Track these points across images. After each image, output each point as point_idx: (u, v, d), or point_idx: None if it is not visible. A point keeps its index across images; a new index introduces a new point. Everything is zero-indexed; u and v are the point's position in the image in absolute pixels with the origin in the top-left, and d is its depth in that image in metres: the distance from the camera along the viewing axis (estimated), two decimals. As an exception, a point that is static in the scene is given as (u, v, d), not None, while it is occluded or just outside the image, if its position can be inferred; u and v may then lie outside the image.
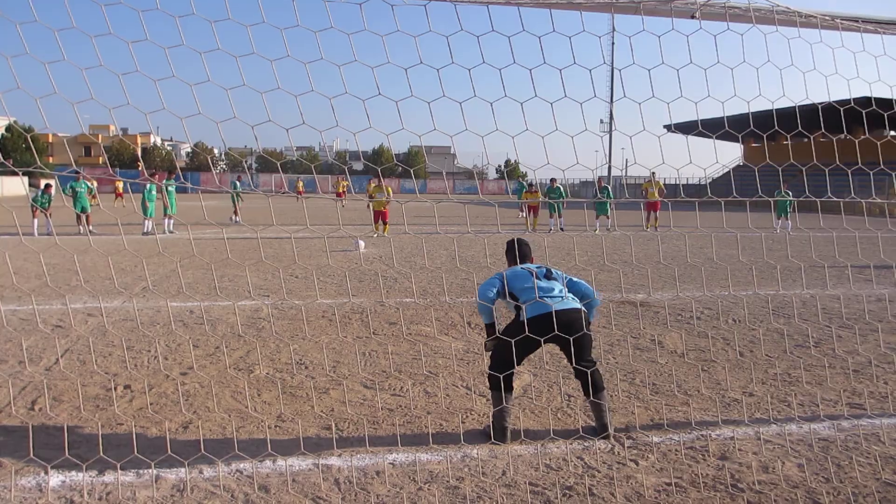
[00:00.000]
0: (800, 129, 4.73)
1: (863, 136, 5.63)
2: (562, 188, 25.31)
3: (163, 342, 7.33)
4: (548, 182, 28.62)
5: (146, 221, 20.40)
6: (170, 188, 21.40)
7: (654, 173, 24.53)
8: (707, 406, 5.75)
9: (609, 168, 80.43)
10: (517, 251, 5.52)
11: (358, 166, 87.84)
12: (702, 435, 5.09)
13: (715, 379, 6.48)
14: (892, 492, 4.27)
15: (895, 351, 7.59)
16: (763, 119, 5.88)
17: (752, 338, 8.09)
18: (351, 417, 5.31)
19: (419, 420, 5.29)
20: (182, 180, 27.04)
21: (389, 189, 24.06)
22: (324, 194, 51.43)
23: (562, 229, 24.57)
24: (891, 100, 4.71)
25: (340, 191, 51.04)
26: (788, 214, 25.27)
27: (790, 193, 25.02)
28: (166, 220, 20.99)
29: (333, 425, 5.14)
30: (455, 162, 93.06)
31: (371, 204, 23.24)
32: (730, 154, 77.21)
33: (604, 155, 77.15)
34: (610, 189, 27.23)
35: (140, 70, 3.58)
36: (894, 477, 4.44)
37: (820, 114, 4.75)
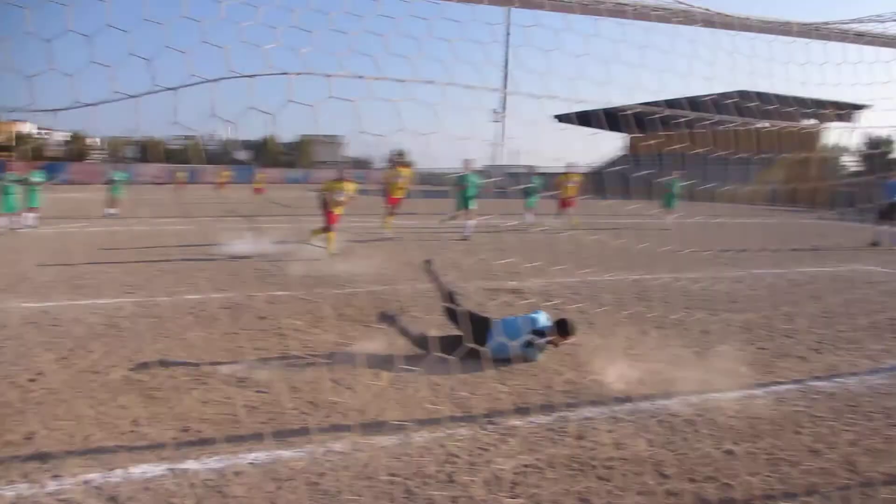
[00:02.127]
0: (680, 120, 4.94)
1: (741, 128, 5.95)
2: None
3: (11, 346, 6.92)
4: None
5: (2, 217, 19.12)
6: (34, 179, 20.15)
7: (567, 163, 22.78)
8: (569, 388, 5.97)
9: (499, 156, 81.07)
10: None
11: (242, 155, 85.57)
12: (561, 416, 5.29)
13: (577, 361, 6.73)
14: (732, 459, 4.58)
15: (744, 329, 8.12)
16: (642, 112, 6.16)
17: (616, 321, 8.44)
18: (211, 417, 5.19)
19: (282, 416, 5.24)
20: (49, 172, 25.11)
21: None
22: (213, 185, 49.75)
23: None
24: (762, 93, 5.01)
25: (222, 181, 49.50)
26: (675, 205, 24.37)
27: (679, 183, 24.45)
28: (26, 214, 19.73)
29: (192, 427, 5.01)
30: (344, 151, 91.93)
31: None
32: (615, 144, 79.94)
33: (496, 144, 77.58)
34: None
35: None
36: (734, 446, 4.76)
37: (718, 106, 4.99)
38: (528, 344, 6.69)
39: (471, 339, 6.42)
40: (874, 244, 18.58)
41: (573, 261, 12.88)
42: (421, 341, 6.81)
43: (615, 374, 6.34)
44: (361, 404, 5.55)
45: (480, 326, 6.99)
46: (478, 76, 4.47)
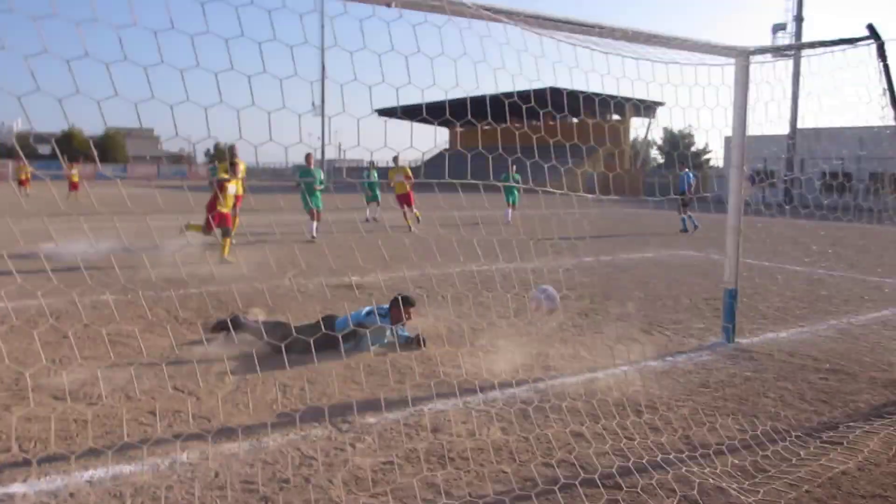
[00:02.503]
0: (491, 117, 5.09)
1: (551, 123, 6.22)
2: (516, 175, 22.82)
3: None
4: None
5: None
6: None
7: (396, 157, 21.88)
8: (421, 382, 6.02)
9: (322, 151, 79.41)
10: None
11: (45, 149, 79.16)
12: (416, 411, 5.33)
13: (427, 355, 6.81)
14: (580, 440, 4.81)
15: (582, 315, 8.56)
16: (462, 107, 6.30)
17: (460, 312, 8.62)
18: (38, 435, 4.77)
19: (120, 429, 4.91)
20: None
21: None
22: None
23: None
24: (572, 91, 5.28)
25: (24, 178, 45.50)
26: (517, 200, 24.23)
27: (519, 177, 23.50)
28: None
29: (16, 447, 4.58)
30: (159, 145, 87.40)
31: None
32: (440, 138, 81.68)
33: (318, 138, 76.32)
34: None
35: None
36: (580, 427, 5.01)
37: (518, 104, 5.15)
38: (375, 330, 6.81)
39: (319, 335, 6.33)
40: (683, 231, 20.45)
41: (415, 255, 13.02)
42: (270, 333, 6.66)
43: (465, 365, 6.48)
44: (207, 411, 5.31)
45: (328, 324, 6.94)
46: (294, 67, 4.40)
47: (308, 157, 17.34)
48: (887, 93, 6.19)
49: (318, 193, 16.79)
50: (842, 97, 7.27)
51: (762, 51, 7.12)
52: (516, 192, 23.95)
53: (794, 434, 4.96)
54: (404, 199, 20.71)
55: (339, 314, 7.48)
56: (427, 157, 74.85)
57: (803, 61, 6.95)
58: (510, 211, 23.57)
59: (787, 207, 21.63)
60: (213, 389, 5.77)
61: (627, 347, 7.15)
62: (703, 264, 13.36)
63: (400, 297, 7.02)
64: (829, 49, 6.50)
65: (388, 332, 6.98)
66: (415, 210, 21.05)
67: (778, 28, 45.38)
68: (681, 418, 5.22)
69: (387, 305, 7.14)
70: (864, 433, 4.99)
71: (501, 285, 10.38)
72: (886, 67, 6.20)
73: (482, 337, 7.51)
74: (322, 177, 17.37)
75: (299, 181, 17.13)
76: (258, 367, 5.80)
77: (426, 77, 4.84)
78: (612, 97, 5.92)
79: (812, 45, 6.68)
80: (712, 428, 5.03)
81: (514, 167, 23.80)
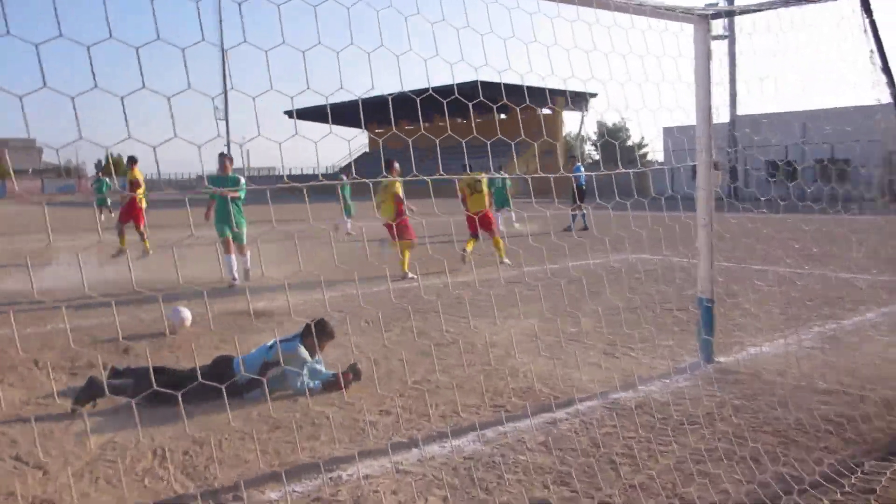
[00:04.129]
0: (419, 114, 4.37)
1: (478, 120, 5.49)
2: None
3: None
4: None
5: None
6: None
7: (391, 161, 16.02)
8: (340, 435, 5.12)
9: (243, 156, 76.73)
10: None
11: None
12: (333, 479, 4.42)
13: (346, 400, 5.91)
14: (545, 513, 3.99)
15: (529, 338, 7.78)
16: (381, 106, 5.56)
17: (390, 340, 7.75)
18: None
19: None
20: None
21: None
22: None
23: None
24: (498, 83, 4.56)
25: None
26: (511, 202, 22.22)
27: (506, 178, 22.31)
28: None
29: None
30: (42, 157, 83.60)
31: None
32: (358, 141, 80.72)
33: (223, 144, 74.01)
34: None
35: None
36: (544, 492, 4.19)
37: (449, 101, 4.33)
38: (286, 371, 5.87)
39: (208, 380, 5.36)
40: (566, 229, 21.09)
41: (342, 272, 12.07)
42: (146, 383, 5.63)
43: (396, 410, 5.60)
44: (53, 491, 4.32)
45: (222, 367, 5.99)
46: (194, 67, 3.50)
47: (223, 159, 12.47)
48: (875, 54, 5.58)
49: (241, 216, 12.30)
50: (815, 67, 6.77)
51: (725, 14, 6.52)
52: (508, 196, 22.20)
53: (807, 481, 4.24)
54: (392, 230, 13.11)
55: (251, 349, 6.53)
56: (343, 161, 73.19)
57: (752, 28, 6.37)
58: (500, 217, 20.85)
59: (730, 200, 21.40)
60: (67, 459, 4.78)
61: (590, 375, 6.39)
62: (660, 268, 12.79)
63: (313, 325, 6.09)
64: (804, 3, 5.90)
65: (303, 372, 6.05)
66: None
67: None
68: (666, 471, 4.45)
69: (295, 336, 6.22)
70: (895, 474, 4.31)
71: (432, 307, 9.55)
72: (874, 24, 5.59)
73: (417, 371, 6.65)
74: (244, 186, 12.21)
75: (213, 192, 12.23)
76: (133, 424, 4.82)
77: (337, 73, 4.01)
78: (539, 89, 5.27)
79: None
80: (706, 481, 4.27)
81: (503, 169, 22.65)
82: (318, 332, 6.07)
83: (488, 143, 5.17)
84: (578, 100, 59.13)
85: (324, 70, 4.72)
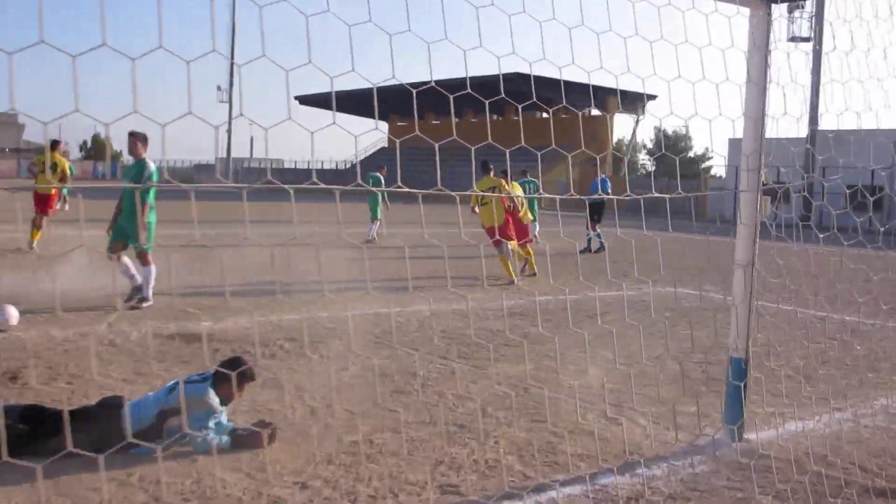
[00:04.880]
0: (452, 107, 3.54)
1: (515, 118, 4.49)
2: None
3: None
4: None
5: None
6: None
7: (485, 162, 15.14)
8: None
9: (228, 147, 73.74)
10: None
11: None
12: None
13: (262, 460, 4.83)
14: None
15: (520, 390, 6.65)
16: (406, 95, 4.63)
17: (331, 387, 6.68)
18: None
19: None
20: None
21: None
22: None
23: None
24: (541, 77, 3.55)
25: None
26: (537, 215, 19.80)
27: (536, 183, 20.11)
28: None
29: None
30: (23, 135, 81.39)
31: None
32: (375, 135, 78.67)
33: (226, 132, 71.94)
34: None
35: None
36: None
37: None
38: (189, 422, 4.79)
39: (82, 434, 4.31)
40: (586, 251, 19.57)
41: (327, 291, 11.05)
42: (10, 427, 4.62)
43: (312, 483, 4.51)
44: None
45: (107, 412, 4.97)
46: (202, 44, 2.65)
47: (132, 139, 9.71)
48: None
49: (153, 214, 9.93)
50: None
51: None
52: (535, 205, 19.80)
53: None
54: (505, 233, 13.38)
55: (153, 389, 5.50)
56: (361, 155, 69.68)
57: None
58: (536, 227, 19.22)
59: (802, 229, 19.26)
60: None
61: (580, 447, 5.24)
62: (697, 307, 11.47)
63: (230, 364, 5.02)
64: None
65: (210, 424, 4.99)
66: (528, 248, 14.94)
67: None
68: None
69: (205, 376, 5.17)
70: None
71: (414, 338, 8.45)
72: None
73: (364, 425, 5.55)
74: (153, 175, 9.95)
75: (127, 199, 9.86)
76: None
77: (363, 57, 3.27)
78: (588, 87, 4.30)
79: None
80: None
81: (529, 172, 20.71)
82: (237, 373, 5.00)
83: (507, 150, 4.23)
84: (632, 101, 57.34)
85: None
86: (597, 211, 19.91)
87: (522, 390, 6.60)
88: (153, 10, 2.72)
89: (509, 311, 10.62)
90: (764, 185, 5.61)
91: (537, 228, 19.80)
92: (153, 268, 9.82)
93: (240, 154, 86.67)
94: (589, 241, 19.71)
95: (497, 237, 12.50)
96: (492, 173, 14.34)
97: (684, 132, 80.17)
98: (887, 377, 7.57)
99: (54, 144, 16.35)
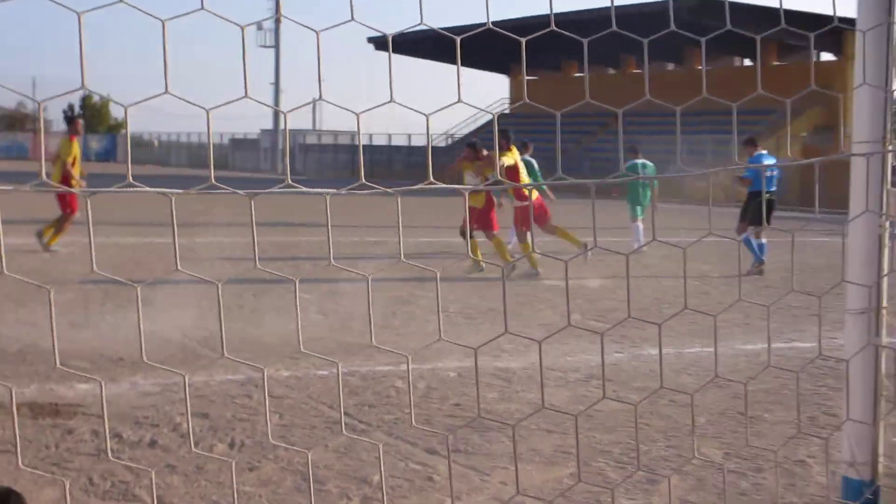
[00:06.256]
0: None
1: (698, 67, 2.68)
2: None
3: None
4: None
5: None
6: None
7: (507, 131, 13.84)
8: None
9: (279, 117, 52.58)
10: None
11: None
12: None
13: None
14: None
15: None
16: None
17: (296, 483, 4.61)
18: None
19: None
20: None
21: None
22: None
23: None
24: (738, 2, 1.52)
25: None
26: (643, 209, 16.33)
27: (649, 165, 16.83)
28: None
29: None
30: None
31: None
32: (496, 93, 61.73)
33: (270, 84, 58.22)
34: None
35: None
36: None
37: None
38: None
39: None
40: (760, 265, 13.32)
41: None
42: None
43: None
44: None
45: None
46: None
47: (72, 122, 8.47)
48: None
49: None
50: None
51: None
52: (649, 193, 16.04)
53: None
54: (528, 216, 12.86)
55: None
56: (473, 124, 53.69)
57: None
58: (640, 228, 16.03)
59: None
60: None
61: None
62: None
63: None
64: None
65: None
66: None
67: None
68: None
69: None
70: None
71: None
72: None
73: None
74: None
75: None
76: None
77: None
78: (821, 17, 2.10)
79: None
80: None
81: (640, 153, 16.99)
82: None
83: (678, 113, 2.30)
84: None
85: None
86: (766, 207, 13.11)
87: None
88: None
89: (587, 372, 7.60)
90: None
91: (641, 230, 15.98)
92: None
93: (295, 124, 63.75)
94: (759, 249, 13.19)
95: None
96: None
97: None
98: None
99: (72, 124, 12.32)
